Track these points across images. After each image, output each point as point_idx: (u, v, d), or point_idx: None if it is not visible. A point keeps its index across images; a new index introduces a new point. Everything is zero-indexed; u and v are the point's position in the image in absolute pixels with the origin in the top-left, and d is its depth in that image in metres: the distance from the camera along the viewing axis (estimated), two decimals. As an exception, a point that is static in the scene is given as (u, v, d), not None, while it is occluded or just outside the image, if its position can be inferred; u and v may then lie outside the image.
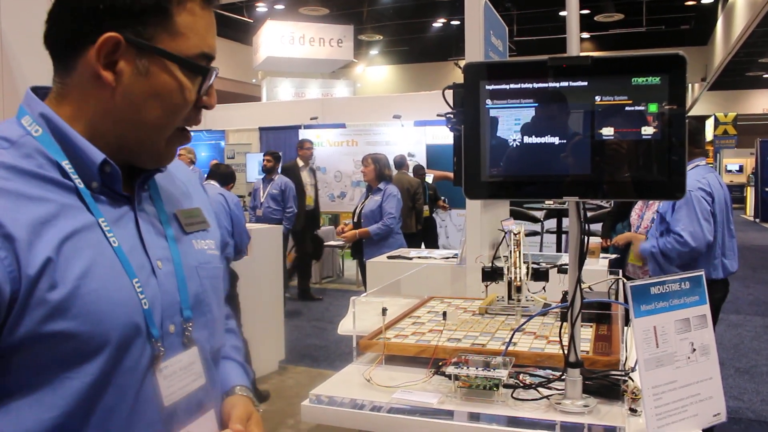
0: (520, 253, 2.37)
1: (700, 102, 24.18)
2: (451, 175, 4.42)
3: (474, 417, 1.57)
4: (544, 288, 2.40)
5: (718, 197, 3.77)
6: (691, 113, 22.43)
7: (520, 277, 2.29)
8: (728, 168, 23.86)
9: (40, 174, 0.95)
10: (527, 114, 1.48)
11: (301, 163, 8.89)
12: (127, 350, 0.96)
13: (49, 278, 0.89)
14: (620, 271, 3.73)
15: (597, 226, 5.97)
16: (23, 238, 0.88)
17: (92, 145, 1.00)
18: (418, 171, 9.42)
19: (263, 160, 8.44)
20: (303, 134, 11.79)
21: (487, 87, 1.49)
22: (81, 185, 0.98)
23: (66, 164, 0.98)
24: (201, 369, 1.09)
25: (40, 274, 0.89)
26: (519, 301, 2.29)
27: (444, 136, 10.26)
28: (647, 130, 1.38)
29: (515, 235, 2.35)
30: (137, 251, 1.02)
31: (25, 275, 0.88)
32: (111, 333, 0.93)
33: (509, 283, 2.31)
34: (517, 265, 2.33)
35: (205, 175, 5.61)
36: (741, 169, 24.02)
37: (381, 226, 5.80)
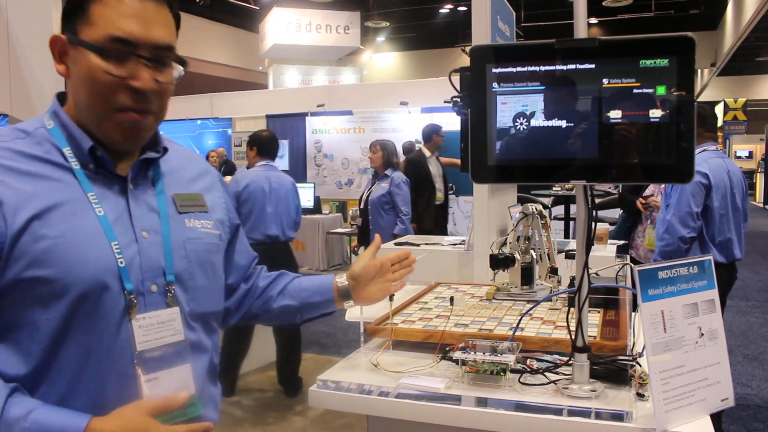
0: (550, 233, 2.39)
1: (710, 87, 24.01)
2: (458, 161, 4.41)
3: (482, 402, 1.57)
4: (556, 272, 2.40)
5: (717, 184, 3.73)
6: (700, 99, 22.28)
7: (554, 257, 2.34)
8: (737, 154, 23.73)
9: (45, 158, 1.22)
10: (534, 97, 1.47)
11: (428, 153, 7.62)
12: (97, 299, 1.17)
13: (32, 234, 1.13)
14: (627, 256, 3.73)
15: (604, 213, 5.96)
16: (11, 203, 1.14)
17: (84, 134, 1.24)
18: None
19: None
20: (310, 122, 11.77)
21: (494, 70, 1.48)
22: (77, 166, 1.23)
23: (67, 150, 1.24)
24: (180, 326, 1.27)
25: (23, 230, 1.13)
26: (557, 282, 2.34)
27: (451, 123, 10.21)
28: (655, 113, 1.37)
29: (542, 217, 2.36)
30: (123, 221, 1.24)
31: (11, 231, 1.13)
32: (78, 284, 1.15)
33: (523, 269, 2.31)
34: (550, 246, 2.36)
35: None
36: (750, 155, 23.89)
37: (402, 227, 5.85)
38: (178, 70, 1.29)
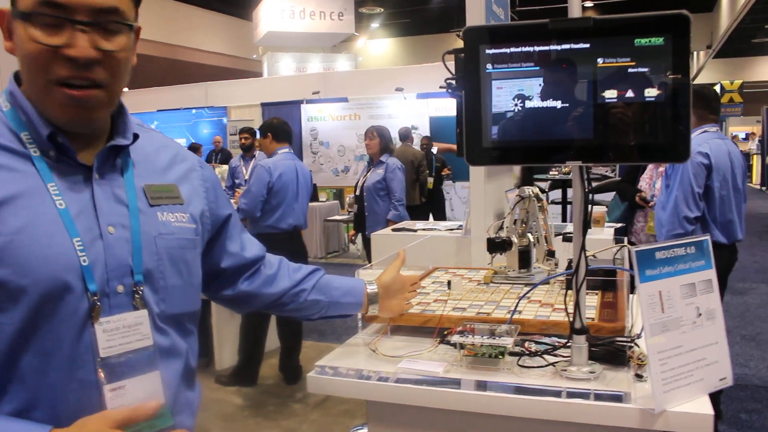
0: (547, 216, 2.39)
1: (706, 70, 23.94)
2: (454, 147, 4.39)
3: (481, 386, 1.57)
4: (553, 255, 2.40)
5: (718, 164, 3.73)
6: (696, 81, 22.22)
7: (551, 240, 2.34)
8: (734, 135, 23.68)
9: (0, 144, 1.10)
10: (529, 78, 1.45)
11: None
12: (58, 301, 1.06)
13: None
14: (625, 238, 3.72)
15: (600, 197, 5.95)
16: None
17: (41, 118, 1.12)
18: (423, 142, 9.38)
19: (240, 138, 8.19)
20: (305, 109, 11.75)
21: (488, 51, 1.46)
22: (36, 153, 1.11)
23: (25, 135, 1.12)
24: (148, 330, 1.16)
25: None
26: (555, 264, 2.33)
27: (447, 108, 10.21)
28: (651, 93, 1.36)
29: (539, 200, 2.36)
30: (86, 215, 1.12)
31: None
32: (35, 285, 1.04)
33: (520, 253, 2.31)
34: (547, 229, 2.36)
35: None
36: (747, 138, 23.86)
37: (395, 213, 5.84)
38: (129, 35, 1.14)
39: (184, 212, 1.28)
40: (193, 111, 13.49)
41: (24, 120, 1.12)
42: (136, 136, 1.23)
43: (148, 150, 1.29)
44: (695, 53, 21.86)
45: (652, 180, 4.40)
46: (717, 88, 23.13)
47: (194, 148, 10.49)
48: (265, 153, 5.07)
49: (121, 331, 1.12)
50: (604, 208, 4.77)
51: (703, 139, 3.78)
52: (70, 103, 1.10)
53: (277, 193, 4.69)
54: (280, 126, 5.00)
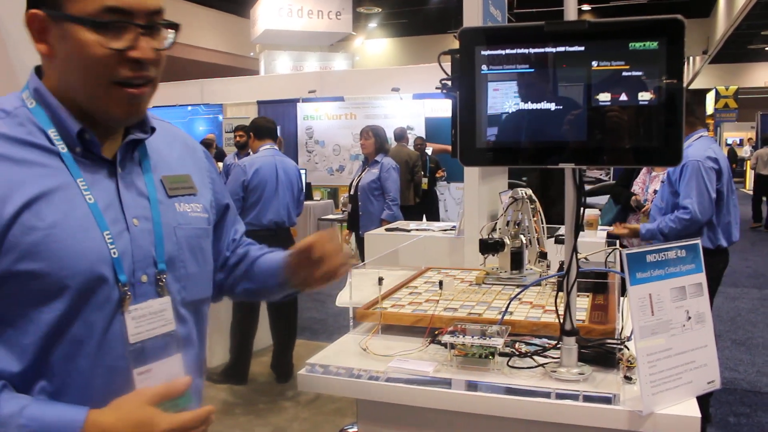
0: (540, 218, 2.39)
1: (701, 75, 24.02)
2: (449, 148, 4.40)
3: (471, 386, 1.57)
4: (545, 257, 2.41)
5: (724, 168, 3.75)
6: (692, 86, 22.31)
7: (543, 242, 2.34)
8: (728, 142, 23.78)
9: (28, 141, 1.13)
10: (523, 80, 1.46)
11: None
12: (92, 292, 1.11)
13: (22, 226, 1.07)
14: (617, 241, 3.72)
15: (594, 200, 5.96)
16: None
17: (70, 115, 1.16)
18: (418, 143, 9.38)
19: (234, 135, 8.15)
20: (301, 108, 11.74)
21: (483, 52, 1.47)
22: (64, 150, 1.15)
23: (52, 132, 1.15)
24: (171, 316, 1.22)
25: (13, 222, 1.06)
26: (547, 266, 2.34)
27: (443, 109, 10.20)
28: (644, 96, 1.37)
29: (532, 202, 2.36)
30: (114, 208, 1.16)
31: (0, 223, 1.06)
32: (74, 277, 1.09)
33: (513, 254, 2.32)
34: (539, 231, 2.36)
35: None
36: (741, 143, 23.96)
37: (389, 212, 5.84)
38: (169, 35, 1.21)
39: (198, 202, 1.33)
40: (189, 108, 13.45)
41: (50, 117, 1.16)
42: (153, 130, 1.27)
43: (161, 141, 1.32)
44: (691, 58, 21.93)
45: (645, 184, 4.40)
46: (712, 93, 23.24)
47: (208, 142, 10.34)
48: (252, 151, 5.10)
49: (148, 318, 1.18)
50: (597, 212, 4.78)
51: (707, 144, 3.77)
52: (131, 102, 1.16)
53: (254, 190, 4.65)
54: (261, 124, 5.02)
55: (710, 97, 23.70)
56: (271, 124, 5.08)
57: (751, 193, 19.94)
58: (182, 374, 1.22)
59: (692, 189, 3.64)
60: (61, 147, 1.14)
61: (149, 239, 1.20)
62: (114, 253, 1.13)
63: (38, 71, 1.21)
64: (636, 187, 4.53)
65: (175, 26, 1.21)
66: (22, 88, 1.20)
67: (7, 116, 1.14)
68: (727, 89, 23.53)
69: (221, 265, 1.53)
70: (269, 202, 4.69)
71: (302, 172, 6.59)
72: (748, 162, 21.40)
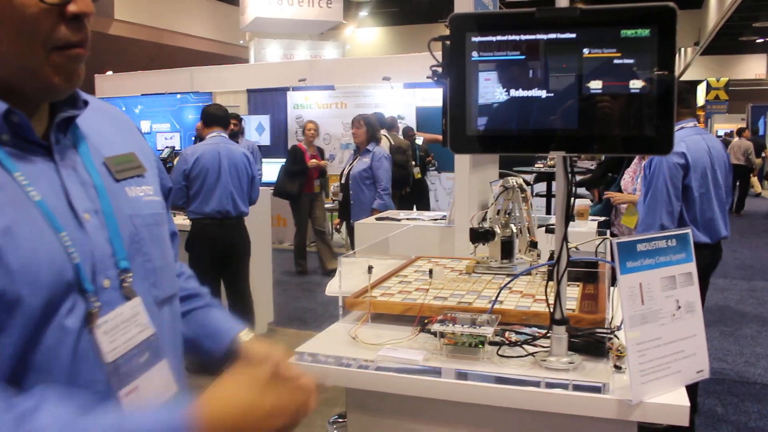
0: (530, 207, 2.39)
1: (693, 66, 24.09)
2: (440, 137, 4.38)
3: (461, 375, 1.57)
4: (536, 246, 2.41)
5: (695, 163, 3.63)
6: (683, 78, 22.34)
7: (534, 231, 2.34)
8: (719, 134, 23.85)
9: None
10: (514, 67, 1.45)
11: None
12: (54, 310, 0.90)
13: None
14: (608, 231, 3.72)
15: (582, 191, 5.97)
16: None
17: None
18: (408, 133, 9.36)
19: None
20: (291, 96, 11.69)
21: (474, 39, 1.45)
22: None
23: None
24: (146, 319, 1.03)
25: None
26: (537, 255, 2.34)
27: (434, 99, 10.17)
28: (636, 84, 1.36)
29: (522, 191, 2.36)
30: (61, 204, 0.96)
31: None
32: (39, 292, 0.88)
33: (503, 243, 2.31)
34: (530, 220, 2.36)
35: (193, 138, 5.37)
36: (731, 135, 24.02)
37: (380, 201, 5.81)
38: None
39: (148, 184, 1.13)
40: (178, 96, 13.36)
41: None
42: (86, 103, 1.07)
43: (92, 117, 1.09)
44: (682, 50, 21.98)
45: (636, 174, 4.39)
46: (703, 84, 23.30)
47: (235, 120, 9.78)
48: (201, 139, 5.03)
49: (121, 328, 0.99)
50: (588, 201, 4.78)
51: (680, 137, 3.65)
52: (73, 67, 0.96)
53: (195, 179, 4.58)
54: (210, 111, 4.96)
55: (701, 89, 23.76)
56: (221, 111, 5.02)
57: (740, 184, 20.06)
58: (172, 382, 1.07)
59: (651, 187, 3.60)
60: None
61: (104, 235, 0.99)
62: (75, 258, 0.93)
63: None
64: (627, 176, 4.53)
65: None
66: None
67: None
68: (717, 81, 23.61)
69: None
70: (211, 191, 4.60)
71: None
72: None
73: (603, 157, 5.60)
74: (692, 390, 3.82)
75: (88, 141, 1.06)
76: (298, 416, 1.00)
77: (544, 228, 2.73)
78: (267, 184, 7.50)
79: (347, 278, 1.99)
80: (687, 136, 3.67)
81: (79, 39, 0.95)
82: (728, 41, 22.29)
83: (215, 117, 4.92)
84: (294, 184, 7.71)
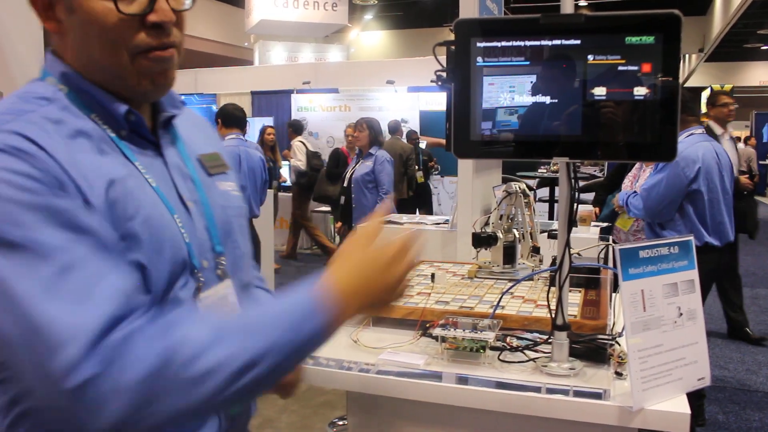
0: (533, 213, 2.39)
1: (697, 73, 24.06)
2: (443, 141, 4.39)
3: (462, 379, 1.57)
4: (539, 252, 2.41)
5: (705, 168, 3.73)
6: (687, 84, 22.35)
7: (536, 236, 2.34)
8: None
9: (80, 128, 1.01)
10: (519, 73, 1.45)
11: None
12: (177, 281, 1.04)
13: (115, 215, 0.96)
14: (610, 237, 3.73)
15: (589, 196, 5.97)
16: (87, 184, 0.94)
17: (111, 96, 1.06)
18: (411, 136, 9.37)
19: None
20: (296, 99, 11.70)
21: (479, 44, 1.46)
22: (112, 134, 1.05)
23: (95, 117, 1.05)
24: (235, 299, 1.16)
25: (109, 211, 0.96)
26: (540, 261, 2.33)
27: (437, 103, 10.19)
28: (640, 91, 1.36)
29: (525, 196, 2.36)
30: (171, 192, 1.10)
31: (103, 213, 0.95)
32: (165, 266, 1.02)
33: (505, 248, 2.31)
34: (533, 225, 2.36)
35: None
36: (739, 141, 24.02)
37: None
38: None
39: (231, 181, 1.28)
40: (183, 97, 13.40)
41: (86, 101, 1.05)
42: (183, 103, 1.21)
43: (181, 118, 1.22)
44: (687, 56, 21.96)
45: (636, 178, 4.40)
46: (707, 91, 23.25)
47: (296, 125, 9.83)
48: None
49: (217, 304, 1.12)
50: (591, 207, 4.78)
51: (690, 143, 3.78)
52: (158, 70, 1.06)
53: None
54: (230, 112, 4.91)
55: (705, 95, 23.71)
56: (240, 112, 4.98)
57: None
58: None
59: (652, 180, 3.72)
60: (109, 131, 1.05)
61: (202, 222, 1.13)
62: (186, 238, 1.06)
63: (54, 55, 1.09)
64: (626, 181, 4.53)
65: None
66: (41, 74, 1.08)
67: (50, 103, 1.02)
68: (722, 88, 23.54)
69: None
70: None
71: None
72: (742, 160, 21.49)
73: (604, 173, 5.64)
74: (697, 398, 3.84)
75: (183, 139, 1.20)
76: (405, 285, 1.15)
77: (546, 233, 2.73)
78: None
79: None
80: (697, 142, 3.78)
81: (160, 43, 1.04)
82: (733, 48, 22.28)
83: (235, 118, 4.89)
84: (335, 188, 7.69)
